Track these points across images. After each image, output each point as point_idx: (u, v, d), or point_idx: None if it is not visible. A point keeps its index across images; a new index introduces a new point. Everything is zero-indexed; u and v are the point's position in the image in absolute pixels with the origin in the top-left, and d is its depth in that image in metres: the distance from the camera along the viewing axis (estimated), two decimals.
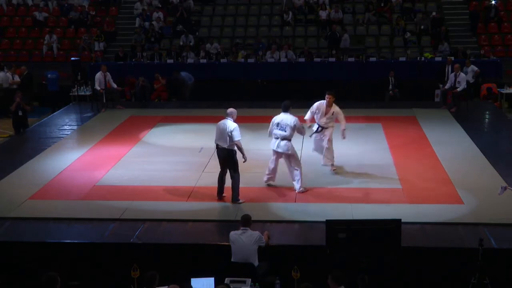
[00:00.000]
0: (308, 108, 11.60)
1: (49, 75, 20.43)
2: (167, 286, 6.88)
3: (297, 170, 10.48)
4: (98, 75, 17.23)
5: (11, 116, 15.74)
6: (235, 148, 9.95)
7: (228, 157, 9.94)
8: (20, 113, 15.28)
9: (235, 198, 10.05)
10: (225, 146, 9.87)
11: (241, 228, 8.07)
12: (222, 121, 10.06)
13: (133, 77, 19.36)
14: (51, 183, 11.23)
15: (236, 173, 10.02)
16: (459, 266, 8.22)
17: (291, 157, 10.49)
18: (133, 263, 7.13)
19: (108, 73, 17.29)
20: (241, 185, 10.84)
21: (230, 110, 10.18)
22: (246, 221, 8.12)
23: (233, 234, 8.04)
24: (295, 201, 10.19)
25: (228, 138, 9.82)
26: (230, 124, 9.91)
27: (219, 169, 10.25)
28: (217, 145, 10.00)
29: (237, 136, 9.81)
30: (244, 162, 10.04)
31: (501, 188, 9.10)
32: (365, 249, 7.46)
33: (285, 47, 20.75)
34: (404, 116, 16.00)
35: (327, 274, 6.69)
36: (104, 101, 17.23)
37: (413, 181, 10.96)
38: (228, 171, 10.10)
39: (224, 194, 10.23)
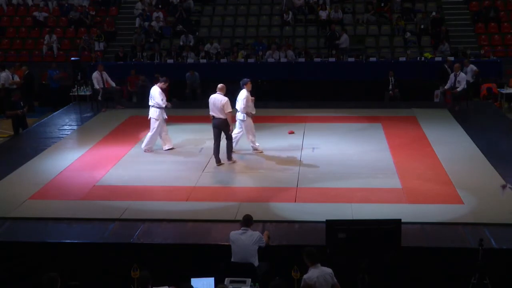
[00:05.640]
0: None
1: (49, 73, 20.50)
2: (167, 286, 6.89)
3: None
4: (95, 74, 17.17)
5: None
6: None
7: (223, 125, 11.79)
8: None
9: (230, 157, 12.03)
10: (222, 116, 11.68)
11: (242, 228, 8.07)
12: (215, 96, 11.86)
13: (136, 75, 19.27)
14: (51, 183, 11.22)
15: (229, 136, 11.99)
16: (459, 266, 8.21)
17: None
18: (133, 263, 7.12)
19: (105, 72, 17.25)
20: (242, 185, 10.97)
21: (221, 85, 11.98)
22: (247, 222, 8.12)
23: (234, 234, 8.03)
24: (295, 201, 10.18)
25: (222, 109, 11.65)
26: (221, 97, 11.72)
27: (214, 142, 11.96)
28: (213, 116, 11.86)
29: (228, 108, 11.67)
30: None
31: (501, 188, 9.10)
32: (365, 249, 7.45)
33: (285, 47, 20.73)
34: (404, 116, 15.97)
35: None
36: (100, 98, 17.20)
37: (413, 181, 10.93)
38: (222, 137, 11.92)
39: (222, 162, 11.95)
